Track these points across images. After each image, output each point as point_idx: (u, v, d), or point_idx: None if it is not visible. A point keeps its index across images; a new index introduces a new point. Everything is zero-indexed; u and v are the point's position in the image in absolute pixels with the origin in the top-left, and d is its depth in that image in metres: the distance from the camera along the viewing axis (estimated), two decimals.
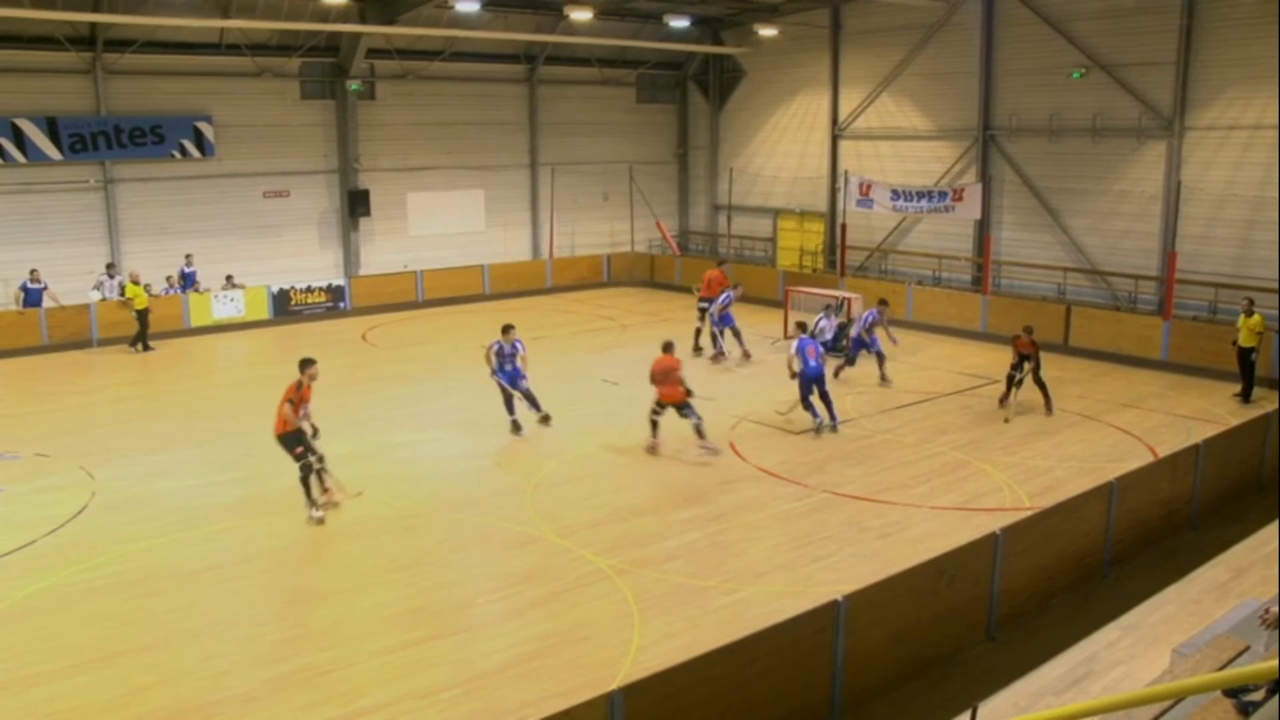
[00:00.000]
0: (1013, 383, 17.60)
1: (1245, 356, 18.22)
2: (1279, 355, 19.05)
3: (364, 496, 13.65)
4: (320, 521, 12.70)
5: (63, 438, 16.39)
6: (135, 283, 22.93)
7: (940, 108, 27.88)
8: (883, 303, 19.97)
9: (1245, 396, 18.25)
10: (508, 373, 16.36)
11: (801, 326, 18.05)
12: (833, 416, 16.69)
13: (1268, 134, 21.48)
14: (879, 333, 19.80)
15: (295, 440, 12.78)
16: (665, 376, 15.28)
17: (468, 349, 22.59)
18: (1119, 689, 8.65)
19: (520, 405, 16.50)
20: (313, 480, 12.93)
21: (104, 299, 23.85)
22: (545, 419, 16.60)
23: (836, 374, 19.20)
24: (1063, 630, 9.85)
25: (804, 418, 16.61)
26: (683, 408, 15.25)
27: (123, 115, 24.97)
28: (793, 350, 16.66)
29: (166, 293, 24.91)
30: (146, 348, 22.92)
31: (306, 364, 13.10)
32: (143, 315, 22.82)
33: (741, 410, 17.69)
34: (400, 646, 9.66)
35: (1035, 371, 17.40)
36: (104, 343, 23.29)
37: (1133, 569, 11.27)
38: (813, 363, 16.40)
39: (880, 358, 19.75)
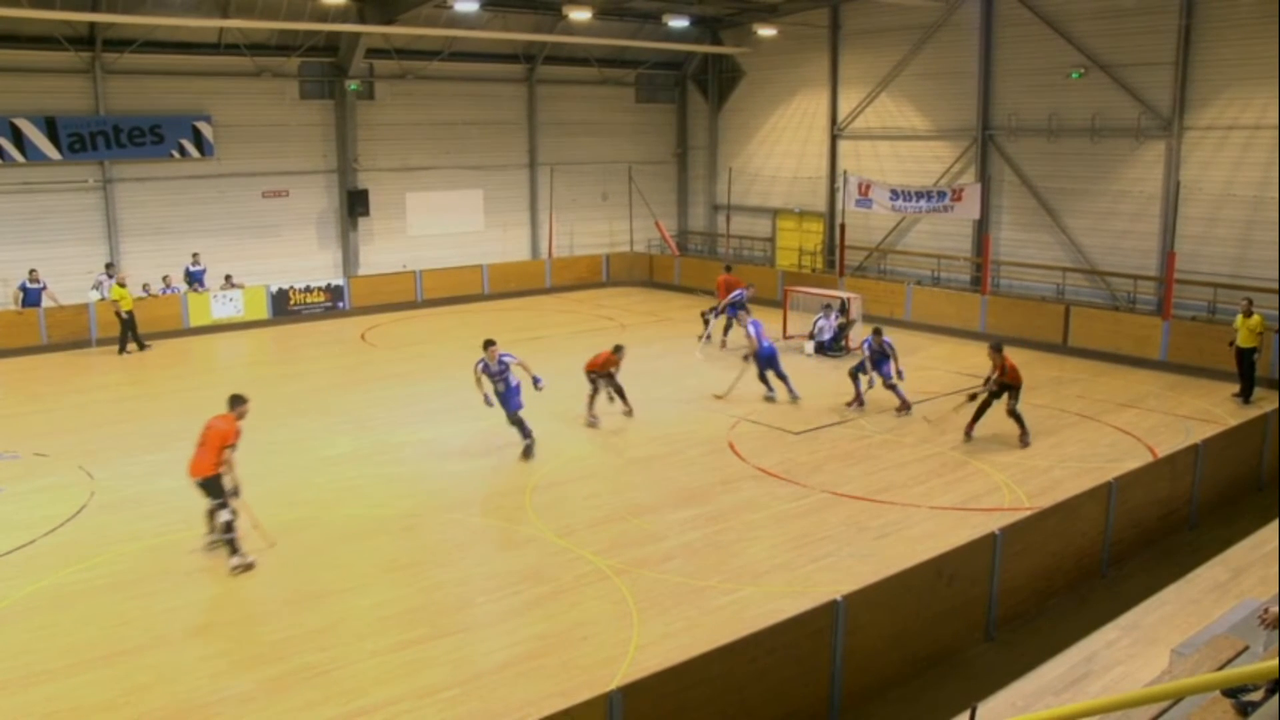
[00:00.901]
0: (982, 412, 15.88)
1: (1247, 357, 18.16)
2: (1279, 355, 19.05)
3: (363, 495, 13.66)
4: (249, 567, 11.35)
5: (61, 437, 16.38)
6: (121, 285, 22.74)
7: (939, 108, 27.89)
8: (876, 332, 18.10)
9: (1246, 397, 18.22)
10: (501, 395, 15.04)
11: (747, 311, 19.53)
12: (791, 390, 18.24)
13: (1267, 134, 21.50)
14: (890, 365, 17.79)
15: (222, 486, 11.38)
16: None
17: (467, 349, 22.63)
18: (1118, 689, 8.65)
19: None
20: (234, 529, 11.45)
21: (103, 299, 23.81)
22: (527, 450, 15.20)
23: (851, 404, 17.90)
24: (1062, 630, 9.85)
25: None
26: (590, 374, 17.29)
27: (122, 115, 24.97)
28: (751, 332, 18.29)
29: (165, 292, 24.91)
30: (142, 347, 22.83)
31: (239, 401, 11.83)
32: (129, 317, 22.62)
33: (741, 410, 17.69)
34: (399, 646, 9.66)
35: (1009, 399, 15.64)
36: (103, 342, 23.26)
37: (1132, 569, 11.27)
38: (765, 342, 18.23)
39: (885, 383, 17.62)
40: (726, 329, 22.79)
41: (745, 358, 18.48)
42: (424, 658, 9.45)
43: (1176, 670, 7.72)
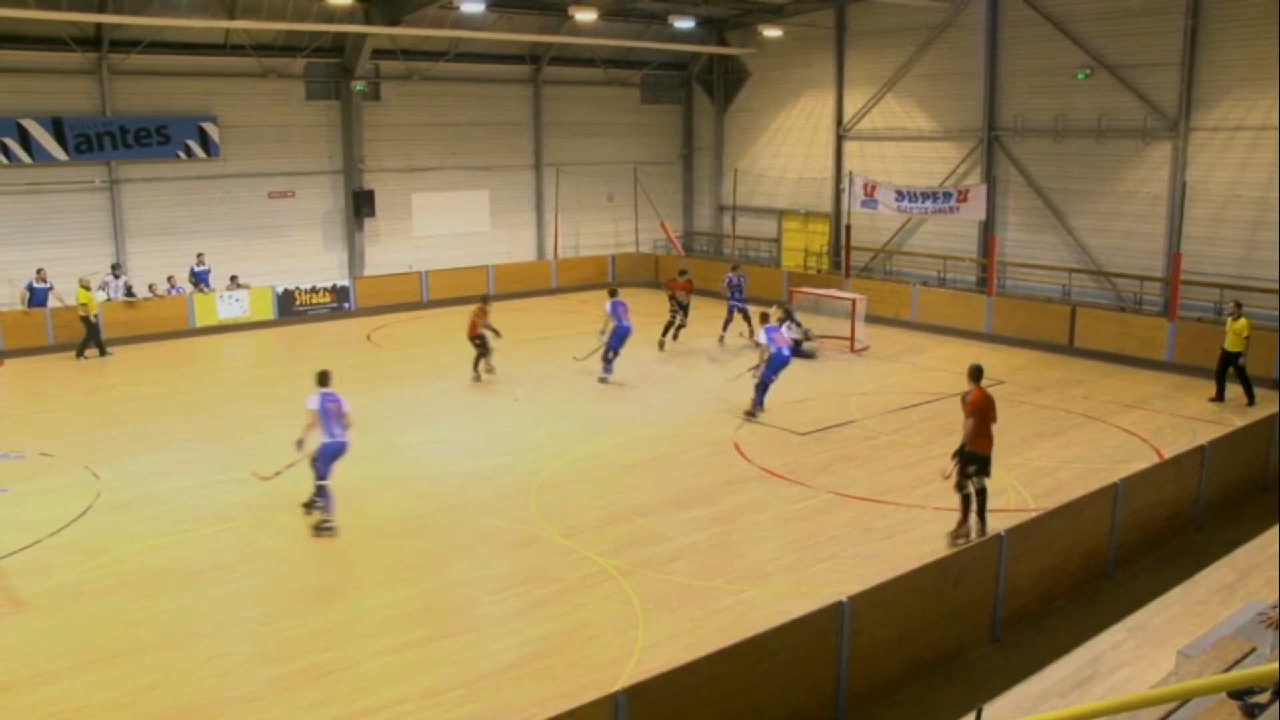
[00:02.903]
0: (969, 503, 12.05)
1: (1232, 361, 18.03)
2: None
3: (368, 496, 13.68)
4: None
5: (67, 437, 16.41)
6: (86, 288, 22.30)
7: (945, 108, 27.85)
8: (764, 318, 18.30)
9: (1249, 399, 18.09)
10: (331, 446, 12.57)
11: (613, 292, 20.39)
12: (610, 371, 19.93)
13: (1273, 135, 21.41)
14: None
15: None
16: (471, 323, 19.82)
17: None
18: (1124, 690, 8.64)
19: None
20: None
21: (109, 299, 23.88)
22: (320, 526, 12.61)
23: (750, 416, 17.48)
24: (1067, 631, 9.84)
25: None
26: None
27: (128, 116, 25.01)
28: (611, 311, 19.71)
29: (170, 293, 24.96)
30: (103, 353, 22.43)
31: None
32: (95, 321, 22.23)
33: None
34: (404, 646, 9.67)
35: (977, 471, 11.93)
36: (109, 343, 23.28)
37: (1137, 570, 11.25)
38: (625, 322, 19.65)
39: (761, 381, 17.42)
40: (727, 323, 23.53)
41: (601, 333, 19.76)
42: (429, 658, 9.46)
43: (1183, 672, 7.70)
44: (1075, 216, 25.35)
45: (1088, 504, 10.77)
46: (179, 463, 15.24)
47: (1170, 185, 23.30)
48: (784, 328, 21.15)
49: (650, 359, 21.99)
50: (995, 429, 12.20)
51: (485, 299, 20.36)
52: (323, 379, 13.00)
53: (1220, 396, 18.26)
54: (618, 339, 19.64)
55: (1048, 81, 25.36)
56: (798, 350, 21.87)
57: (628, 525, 12.66)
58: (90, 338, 22.44)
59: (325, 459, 12.58)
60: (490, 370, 20.05)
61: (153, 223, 25.84)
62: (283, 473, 12.93)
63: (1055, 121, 25.34)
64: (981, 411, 11.89)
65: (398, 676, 9.12)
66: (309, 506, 12.91)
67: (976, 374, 12.29)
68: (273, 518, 13.00)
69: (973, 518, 12.03)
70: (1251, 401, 18.06)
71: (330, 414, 12.63)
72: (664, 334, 22.95)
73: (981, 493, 11.96)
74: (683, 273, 24.43)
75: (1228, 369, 18.15)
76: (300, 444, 12.51)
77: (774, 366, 17.19)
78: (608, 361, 19.78)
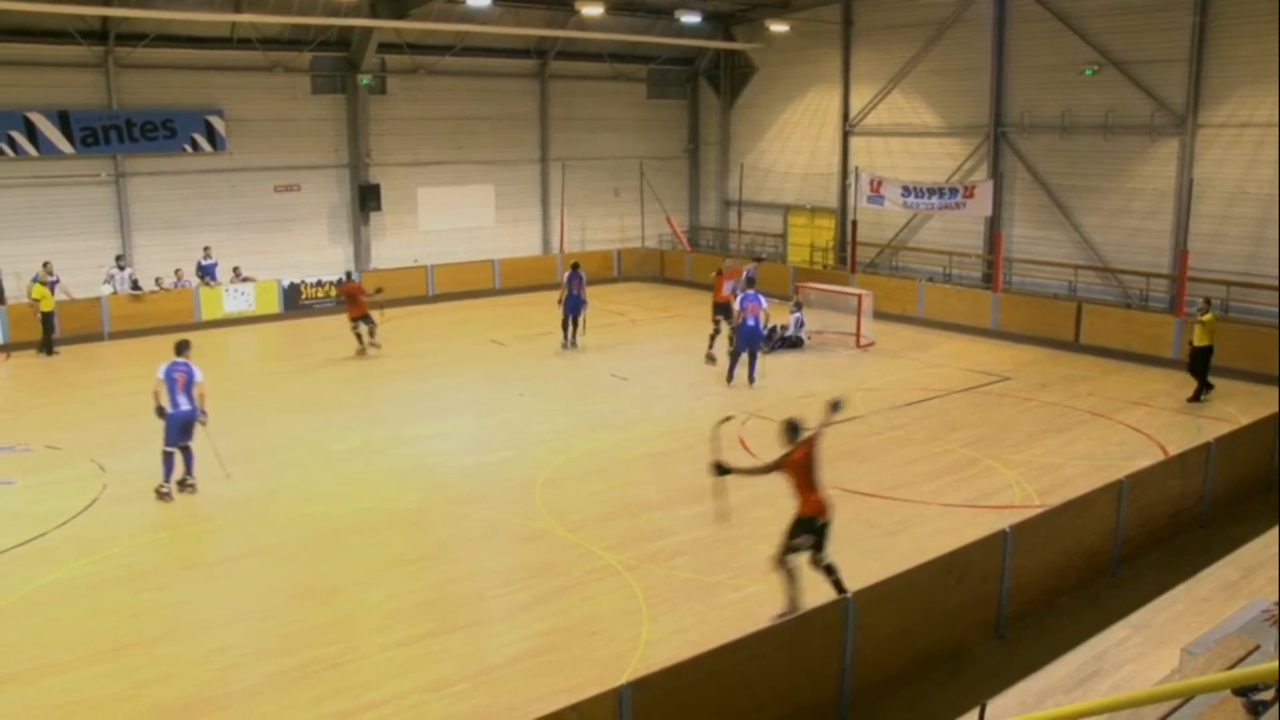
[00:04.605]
0: (793, 579, 9.69)
1: (1200, 354, 17.97)
2: None
3: (374, 490, 13.70)
4: None
5: (73, 430, 16.45)
6: (43, 283, 21.95)
7: (951, 104, 27.80)
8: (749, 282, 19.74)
9: (1197, 395, 18.05)
10: (174, 416, 13.01)
11: (574, 265, 22.04)
12: (574, 338, 22.00)
13: None
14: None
15: None
16: (350, 298, 21.50)
17: (478, 344, 22.71)
18: (1127, 687, 8.64)
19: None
20: None
21: (115, 292, 23.94)
22: (158, 490, 13.31)
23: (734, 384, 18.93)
24: (1071, 628, 9.83)
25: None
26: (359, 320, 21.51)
27: (134, 109, 25.04)
28: (565, 279, 21.63)
29: (175, 286, 25.00)
30: (50, 352, 21.99)
31: None
32: (47, 318, 21.90)
33: (752, 406, 17.67)
34: (409, 640, 9.68)
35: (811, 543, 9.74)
36: (114, 336, 23.38)
37: (1142, 567, 11.23)
38: (574, 292, 21.49)
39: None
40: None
41: (559, 301, 21.70)
42: (433, 652, 9.47)
43: (1186, 669, 7.70)
44: (1082, 213, 25.30)
45: (1092, 501, 10.75)
46: None
47: (1177, 182, 23.23)
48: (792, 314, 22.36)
49: (656, 353, 22.00)
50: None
51: (350, 275, 22.78)
52: (177, 348, 13.42)
53: (1206, 388, 18.18)
54: (568, 307, 21.58)
55: (1055, 77, 25.29)
56: (787, 340, 22.01)
57: (632, 520, 12.67)
58: (50, 334, 22.03)
59: (171, 428, 13.04)
60: (376, 346, 21.72)
61: (159, 216, 25.88)
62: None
63: (1062, 117, 25.27)
64: (790, 468, 9.78)
65: (402, 670, 9.14)
66: (182, 484, 13.42)
67: (791, 431, 9.91)
68: (277, 511, 13.02)
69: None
70: (1198, 398, 18.03)
71: (176, 383, 13.05)
72: (710, 345, 20.71)
73: (829, 568, 9.80)
74: (728, 259, 24.36)
75: (1207, 363, 18.06)
76: (160, 411, 13.05)
77: (742, 334, 18.51)
78: (564, 330, 21.82)
